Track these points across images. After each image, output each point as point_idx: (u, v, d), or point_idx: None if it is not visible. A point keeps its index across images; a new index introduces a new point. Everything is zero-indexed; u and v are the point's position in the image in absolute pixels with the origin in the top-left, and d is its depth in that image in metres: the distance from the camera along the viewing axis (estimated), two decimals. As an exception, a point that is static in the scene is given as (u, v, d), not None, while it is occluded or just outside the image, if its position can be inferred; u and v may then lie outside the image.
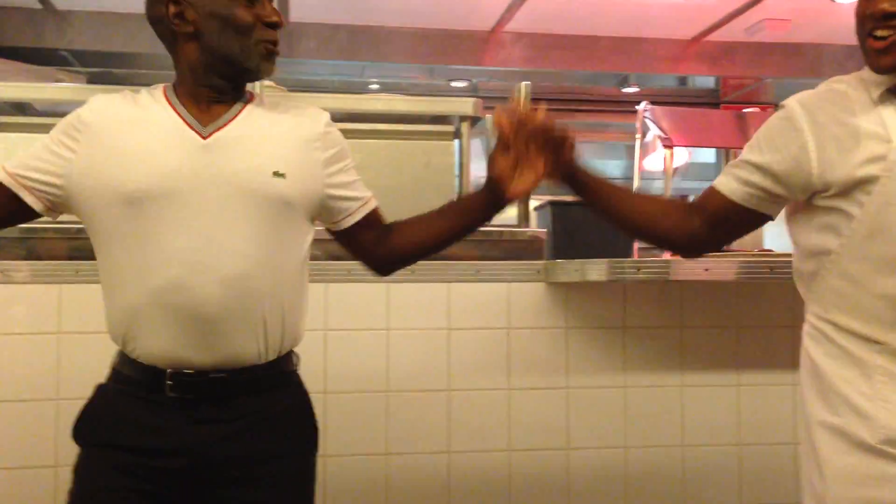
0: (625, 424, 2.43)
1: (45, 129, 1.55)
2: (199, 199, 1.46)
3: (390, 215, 1.70)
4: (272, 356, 1.53)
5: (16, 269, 2.25)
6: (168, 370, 1.47)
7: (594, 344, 2.42)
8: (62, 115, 1.56)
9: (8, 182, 1.50)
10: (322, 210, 1.61)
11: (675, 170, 3.26)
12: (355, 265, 1.74)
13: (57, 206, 1.53)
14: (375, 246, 1.68)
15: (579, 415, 2.41)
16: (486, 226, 1.69)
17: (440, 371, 2.37)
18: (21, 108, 2.84)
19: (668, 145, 2.94)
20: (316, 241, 1.61)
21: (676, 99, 6.89)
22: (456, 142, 2.86)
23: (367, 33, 5.71)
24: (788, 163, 1.54)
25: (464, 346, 2.38)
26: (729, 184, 1.60)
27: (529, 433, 2.40)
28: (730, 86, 6.86)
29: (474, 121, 2.86)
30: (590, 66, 6.16)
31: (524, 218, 2.58)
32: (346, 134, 1.68)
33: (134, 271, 1.47)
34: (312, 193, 1.57)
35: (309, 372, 1.64)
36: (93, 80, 5.40)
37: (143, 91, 1.59)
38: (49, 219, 1.57)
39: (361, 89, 6.59)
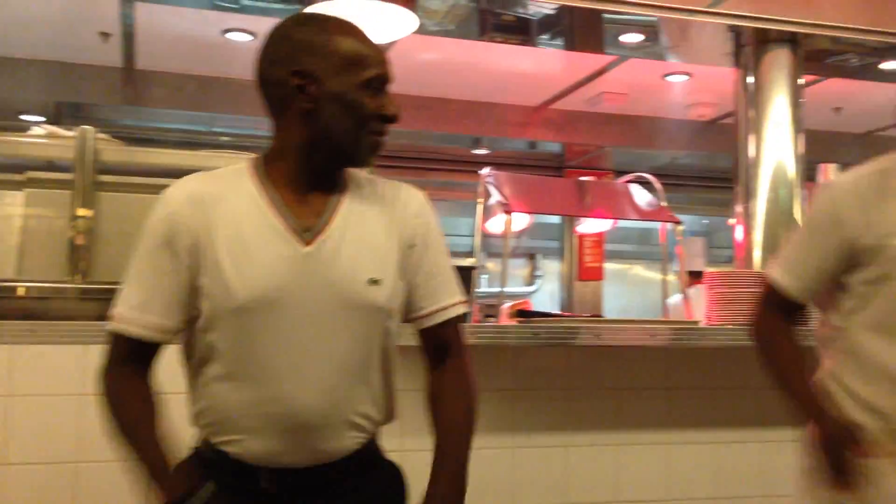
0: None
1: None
2: (298, 310, 1.43)
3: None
4: (366, 440, 1.54)
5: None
6: (261, 468, 1.45)
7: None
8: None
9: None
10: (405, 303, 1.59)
11: (520, 231, 3.38)
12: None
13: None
14: (431, 368, 1.63)
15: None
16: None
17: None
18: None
19: (508, 211, 3.04)
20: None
21: (525, 162, 7.15)
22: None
23: (217, 84, 5.64)
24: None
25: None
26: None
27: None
28: (573, 151, 7.18)
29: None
30: (442, 127, 6.32)
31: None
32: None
33: (231, 380, 1.44)
34: (401, 292, 1.56)
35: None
36: None
37: (227, 177, 1.50)
38: None
39: (211, 141, 6.48)
